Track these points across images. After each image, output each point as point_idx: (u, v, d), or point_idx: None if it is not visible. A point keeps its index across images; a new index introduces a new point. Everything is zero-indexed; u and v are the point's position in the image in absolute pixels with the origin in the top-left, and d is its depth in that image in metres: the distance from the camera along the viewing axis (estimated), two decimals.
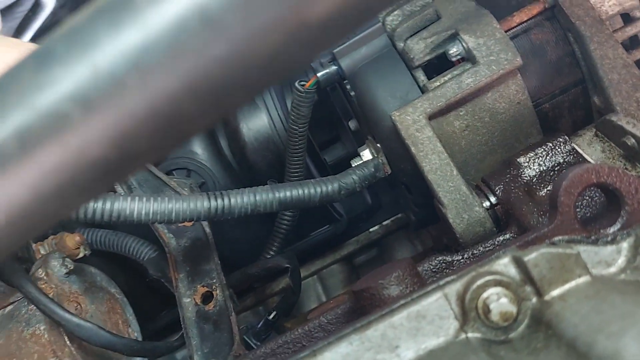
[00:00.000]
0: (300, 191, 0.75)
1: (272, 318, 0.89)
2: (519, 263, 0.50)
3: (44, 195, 0.25)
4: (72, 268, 0.78)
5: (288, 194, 0.74)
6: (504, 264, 0.50)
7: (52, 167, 0.25)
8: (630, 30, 0.70)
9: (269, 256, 0.92)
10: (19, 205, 0.25)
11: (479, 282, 0.49)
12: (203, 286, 0.82)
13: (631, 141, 0.60)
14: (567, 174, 0.53)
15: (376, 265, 1.26)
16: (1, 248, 0.27)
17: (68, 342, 0.73)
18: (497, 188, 0.67)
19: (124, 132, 0.24)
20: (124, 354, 0.76)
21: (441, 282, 0.52)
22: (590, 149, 0.65)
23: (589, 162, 0.63)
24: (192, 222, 0.84)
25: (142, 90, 0.24)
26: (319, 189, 0.79)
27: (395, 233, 1.26)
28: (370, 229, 1.26)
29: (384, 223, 1.25)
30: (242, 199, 0.72)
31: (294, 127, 0.84)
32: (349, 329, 0.52)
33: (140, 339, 0.87)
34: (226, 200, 0.71)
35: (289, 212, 0.94)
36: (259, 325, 0.89)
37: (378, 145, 0.80)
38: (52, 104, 0.24)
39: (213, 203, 0.70)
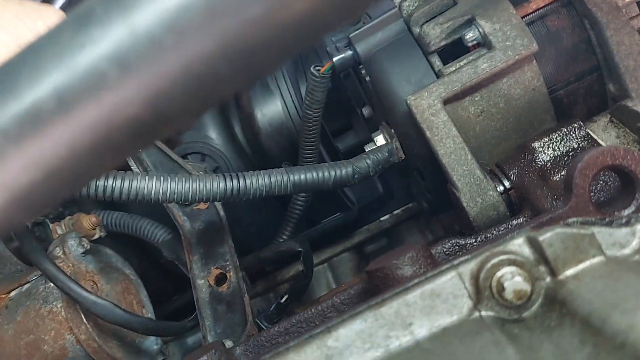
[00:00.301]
0: (315, 174, 0.75)
1: (284, 302, 0.90)
2: (533, 243, 0.50)
3: (80, 152, 0.26)
4: (88, 248, 0.80)
5: (302, 176, 0.75)
6: (518, 244, 0.51)
7: (88, 125, 0.26)
8: None
9: (281, 240, 0.93)
10: (56, 162, 0.26)
11: (493, 261, 0.50)
12: (217, 268, 0.83)
13: None
14: (582, 156, 0.53)
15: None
16: (41, 203, 0.28)
17: (84, 320, 0.74)
18: (511, 172, 0.67)
19: (158, 93, 0.25)
20: (139, 332, 0.78)
21: (455, 262, 0.52)
22: (605, 134, 0.65)
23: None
24: (207, 203, 0.85)
25: (177, 51, 0.25)
26: (332, 173, 0.79)
27: (406, 222, 1.27)
28: (381, 218, 1.26)
29: (395, 212, 1.26)
30: (257, 181, 0.73)
31: (309, 112, 0.85)
32: (363, 306, 0.52)
33: (152, 315, 0.89)
34: (242, 182, 0.72)
35: (301, 197, 0.94)
36: (271, 309, 0.90)
37: (392, 130, 0.81)
38: (90, 63, 0.25)
39: (229, 184, 0.71)
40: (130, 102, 0.25)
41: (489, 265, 0.50)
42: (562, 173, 0.65)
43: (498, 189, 0.67)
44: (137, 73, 0.25)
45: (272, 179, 0.73)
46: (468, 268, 0.51)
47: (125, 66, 0.25)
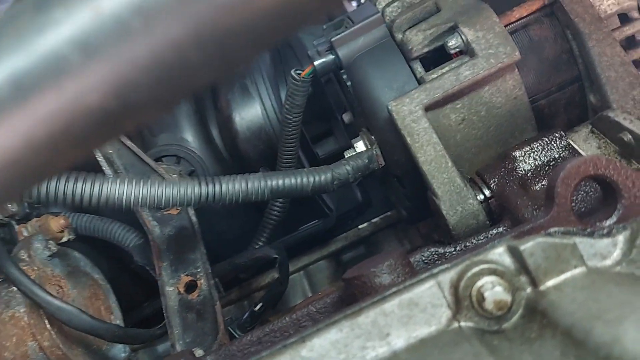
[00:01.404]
0: (293, 180, 0.74)
1: (258, 309, 0.88)
2: (514, 252, 0.49)
3: (38, 143, 0.24)
4: (55, 251, 0.76)
5: (280, 182, 0.73)
6: (499, 253, 0.50)
7: (47, 113, 0.23)
8: (628, 30, 0.71)
9: (257, 247, 0.91)
10: (11, 153, 0.24)
11: (474, 270, 0.48)
12: (187, 275, 0.81)
13: (628, 137, 0.60)
14: (564, 165, 0.52)
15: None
16: None
17: (48, 326, 0.71)
18: (491, 181, 0.66)
19: (124, 80, 0.23)
20: (106, 340, 0.75)
21: (435, 270, 0.51)
22: (586, 144, 0.65)
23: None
24: (179, 208, 0.82)
25: (146, 35, 0.23)
26: (311, 178, 0.78)
27: (384, 231, 1.26)
28: (359, 226, 1.25)
29: (373, 220, 1.24)
30: (233, 186, 0.70)
31: (288, 116, 0.83)
32: (338, 315, 0.51)
33: (120, 322, 0.86)
34: (217, 187, 0.70)
35: (279, 203, 0.93)
36: (245, 317, 0.88)
37: (372, 137, 0.79)
38: (50, 47, 0.23)
39: (204, 189, 0.69)
40: (94, 89, 0.23)
41: (469, 274, 0.48)
42: (543, 183, 0.64)
43: (478, 197, 0.66)
44: (102, 58, 0.23)
45: (250, 185, 0.71)
46: (447, 277, 0.50)
47: (89, 50, 0.23)
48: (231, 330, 0.85)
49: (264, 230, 0.92)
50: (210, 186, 0.70)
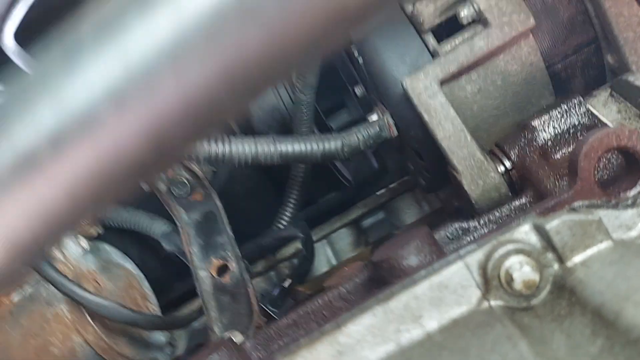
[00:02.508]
0: (302, 145, 0.74)
1: (288, 286, 0.90)
2: (540, 230, 0.50)
3: (78, 195, 0.25)
4: (87, 248, 0.79)
5: (290, 147, 0.73)
6: (525, 232, 0.51)
7: (85, 166, 0.24)
8: None
9: (281, 226, 0.93)
10: (53, 208, 0.25)
11: (501, 250, 0.50)
12: (217, 259, 0.83)
13: None
14: (586, 139, 0.53)
15: (384, 228, 1.27)
16: (37, 248, 0.27)
17: (90, 321, 0.74)
18: (511, 152, 0.67)
19: (157, 127, 0.24)
20: (146, 329, 0.78)
21: (462, 252, 0.52)
22: (606, 109, 0.65)
23: (605, 123, 0.62)
24: (203, 194, 0.84)
25: (176, 83, 0.23)
26: (321, 145, 0.77)
27: (402, 195, 1.27)
28: (377, 192, 1.26)
29: (391, 186, 1.25)
30: (243, 147, 0.71)
31: (301, 96, 0.83)
32: (371, 300, 0.52)
33: (159, 311, 0.89)
34: (227, 147, 0.70)
35: (298, 180, 0.94)
36: (276, 293, 0.90)
37: (387, 110, 0.79)
38: (83, 102, 0.24)
39: (213, 147, 0.69)
40: (128, 139, 0.24)
41: (496, 255, 0.50)
42: (563, 151, 0.64)
43: (499, 169, 0.67)
44: (134, 109, 0.24)
45: (259, 148, 0.72)
46: (475, 258, 0.51)
47: (121, 103, 0.24)
48: (263, 306, 0.88)
49: (286, 209, 0.94)
50: (220, 145, 0.70)
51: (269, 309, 0.88)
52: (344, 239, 1.30)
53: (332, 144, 0.76)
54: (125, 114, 0.24)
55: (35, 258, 0.27)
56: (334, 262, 1.28)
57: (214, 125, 0.27)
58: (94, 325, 0.74)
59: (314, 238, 1.22)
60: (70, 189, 0.25)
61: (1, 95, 0.25)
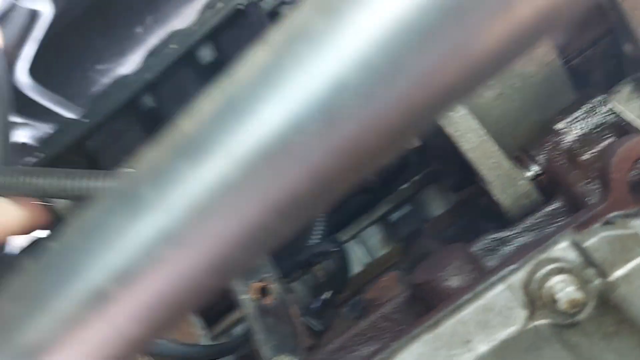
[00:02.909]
0: None
1: (328, 298, 0.92)
2: (578, 247, 0.51)
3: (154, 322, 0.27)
4: None
5: None
6: (564, 249, 0.51)
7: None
8: None
9: (315, 240, 0.94)
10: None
11: (542, 271, 0.51)
12: (259, 281, 0.85)
13: None
14: (615, 149, 0.53)
15: (412, 221, 1.28)
16: None
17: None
18: (538, 157, 0.67)
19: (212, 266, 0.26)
20: None
21: (503, 273, 0.53)
22: (630, 105, 0.65)
23: (630, 120, 0.62)
24: None
25: (231, 220, 0.25)
26: None
27: (427, 187, 1.27)
28: (401, 187, 1.27)
29: (414, 179, 1.26)
30: None
31: None
32: (419, 328, 0.54)
33: (204, 334, 0.92)
34: None
35: None
36: (316, 306, 0.92)
37: None
38: (143, 247, 0.25)
39: None
40: (188, 273, 0.26)
41: (538, 275, 0.51)
42: (591, 152, 0.64)
43: (528, 175, 0.67)
44: (191, 248, 0.25)
45: None
46: (517, 279, 0.52)
47: (177, 243, 0.25)
48: (306, 321, 0.91)
49: (319, 224, 0.95)
50: None
51: (312, 324, 0.91)
52: (374, 236, 1.31)
53: None
54: (185, 253, 0.26)
55: None
56: (366, 260, 1.30)
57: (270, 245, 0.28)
58: None
59: (344, 238, 1.24)
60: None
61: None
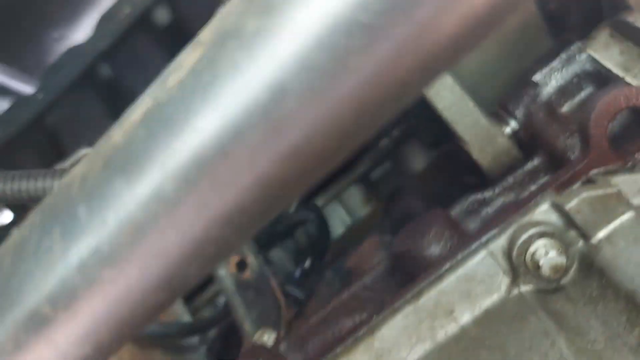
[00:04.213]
0: None
1: (308, 266, 0.91)
2: (559, 209, 0.49)
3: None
4: None
5: None
6: (544, 212, 0.50)
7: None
8: None
9: (291, 209, 0.92)
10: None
11: (524, 236, 0.49)
12: (236, 255, 0.83)
13: None
14: (594, 104, 0.50)
15: (393, 179, 1.26)
16: None
17: None
18: (516, 112, 0.64)
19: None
20: (179, 338, 0.79)
21: (484, 239, 0.51)
22: (608, 52, 0.61)
23: (608, 68, 0.59)
24: None
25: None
26: None
27: (407, 141, 1.25)
28: (379, 143, 1.24)
29: (393, 134, 1.23)
30: None
31: None
32: (400, 301, 0.52)
33: (185, 311, 0.90)
34: None
35: None
36: (297, 275, 0.91)
37: None
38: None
39: None
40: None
41: (519, 241, 0.49)
42: (570, 103, 0.62)
43: (506, 132, 0.64)
44: (130, 266, 0.23)
45: None
46: (498, 245, 0.50)
47: (115, 262, 0.23)
48: (288, 290, 0.89)
49: None
50: None
51: (295, 292, 0.89)
52: (354, 196, 1.29)
53: None
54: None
55: None
56: (348, 221, 1.28)
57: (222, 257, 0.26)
58: (127, 345, 0.75)
59: (324, 200, 1.22)
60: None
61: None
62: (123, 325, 0.25)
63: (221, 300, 1.07)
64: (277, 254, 1.18)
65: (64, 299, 0.23)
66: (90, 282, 0.23)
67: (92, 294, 0.23)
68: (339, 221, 1.28)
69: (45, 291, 0.23)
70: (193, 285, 0.25)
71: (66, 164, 0.74)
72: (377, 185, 1.27)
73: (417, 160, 1.25)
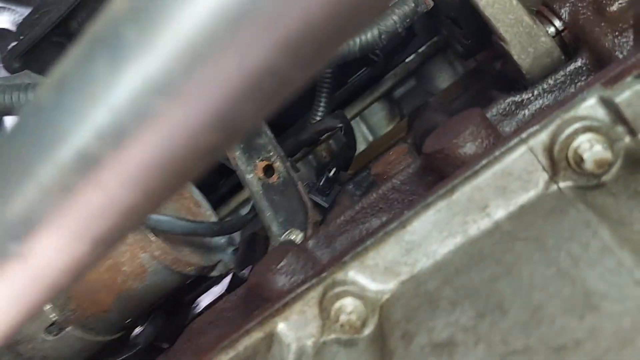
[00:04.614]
0: None
1: (333, 175, 0.90)
2: (607, 104, 0.47)
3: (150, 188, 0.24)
4: None
5: None
6: (591, 106, 0.48)
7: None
8: None
9: (317, 117, 0.91)
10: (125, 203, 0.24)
11: (567, 131, 0.47)
12: (262, 160, 0.83)
13: None
14: None
15: (417, 96, 1.24)
16: (116, 239, 0.26)
17: (153, 238, 0.76)
18: (562, 11, 0.61)
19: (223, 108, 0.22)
20: (206, 237, 0.80)
21: (524, 135, 0.50)
22: None
23: None
24: None
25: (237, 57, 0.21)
26: (357, 39, 0.74)
27: (433, 58, 1.21)
28: (407, 60, 1.21)
29: (420, 50, 1.19)
30: None
31: None
32: (432, 196, 0.52)
33: (213, 214, 0.91)
34: None
35: (329, 69, 0.90)
36: (321, 183, 0.91)
37: None
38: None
39: None
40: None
41: (562, 135, 0.47)
42: (620, 1, 0.58)
43: (550, 32, 0.61)
44: (188, 98, 0.22)
45: None
46: (539, 140, 0.49)
47: (171, 93, 0.22)
48: (313, 197, 0.89)
49: (320, 100, 0.91)
50: None
51: (319, 199, 0.90)
52: (377, 113, 1.27)
53: (368, 35, 0.71)
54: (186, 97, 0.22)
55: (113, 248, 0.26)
56: (370, 138, 1.27)
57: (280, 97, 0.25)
58: (157, 241, 0.76)
59: (347, 116, 1.20)
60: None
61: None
62: (174, 168, 0.24)
63: (244, 211, 1.08)
64: (300, 168, 1.18)
65: (113, 136, 0.22)
66: (142, 115, 0.22)
67: (144, 129, 0.22)
68: (361, 138, 1.27)
69: (92, 128, 0.22)
70: (245, 130, 0.24)
71: None
72: (399, 103, 1.25)
73: (442, 78, 1.22)
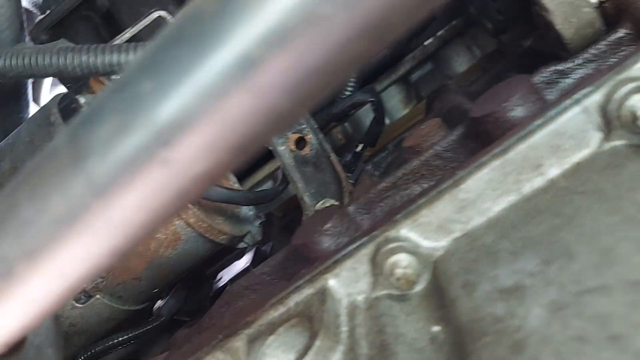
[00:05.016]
0: None
1: (360, 150, 0.92)
2: None
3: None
4: None
5: None
6: None
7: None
8: None
9: (347, 93, 0.92)
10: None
11: (622, 90, 0.49)
12: (294, 133, 0.84)
13: None
14: None
15: (434, 80, 1.25)
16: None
17: (189, 205, 0.77)
18: None
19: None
20: (241, 205, 0.81)
21: (577, 96, 0.52)
22: None
23: None
24: None
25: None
26: None
27: (451, 42, 1.23)
28: (425, 43, 1.22)
29: (438, 34, 1.21)
30: None
31: None
32: (486, 156, 0.53)
33: (239, 187, 0.92)
34: None
35: None
36: (349, 158, 0.92)
37: None
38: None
39: None
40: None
41: (617, 95, 0.49)
42: None
43: (592, 2, 0.63)
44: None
45: None
46: (593, 100, 0.51)
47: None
48: None
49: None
50: None
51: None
52: (394, 96, 1.29)
53: None
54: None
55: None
56: (387, 121, 1.28)
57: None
58: (193, 209, 0.77)
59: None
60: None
61: None
62: (326, 73, 0.25)
63: (268, 184, 1.09)
64: None
65: (278, 39, 0.23)
66: (307, 17, 0.23)
67: (309, 31, 0.23)
68: None
69: (256, 31, 0.23)
70: (388, 41, 0.25)
71: (137, 27, 0.74)
72: (416, 86, 1.27)
73: (459, 61, 1.24)
